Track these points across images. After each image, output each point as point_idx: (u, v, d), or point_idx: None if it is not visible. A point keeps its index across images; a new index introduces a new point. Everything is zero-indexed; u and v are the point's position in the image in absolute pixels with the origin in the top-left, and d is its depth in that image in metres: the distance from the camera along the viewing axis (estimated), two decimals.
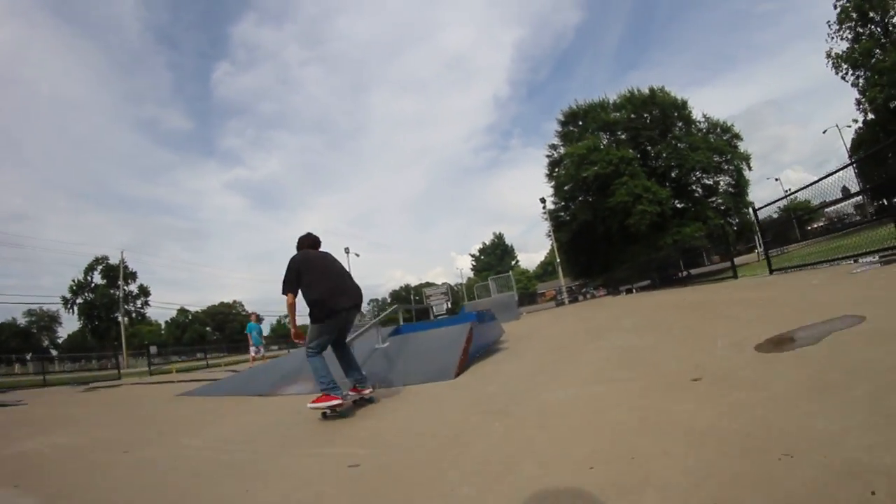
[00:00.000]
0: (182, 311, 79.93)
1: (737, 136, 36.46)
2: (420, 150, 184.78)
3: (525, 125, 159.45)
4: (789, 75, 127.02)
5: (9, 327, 63.98)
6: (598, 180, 33.65)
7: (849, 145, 40.23)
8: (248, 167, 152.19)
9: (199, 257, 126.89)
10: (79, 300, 62.19)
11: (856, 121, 34.87)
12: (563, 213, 40.54)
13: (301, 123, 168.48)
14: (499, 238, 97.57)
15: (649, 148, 36.28)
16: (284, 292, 4.44)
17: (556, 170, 39.17)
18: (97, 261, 64.44)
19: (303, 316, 4.82)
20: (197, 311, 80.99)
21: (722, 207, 35.38)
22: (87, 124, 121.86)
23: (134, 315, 66.68)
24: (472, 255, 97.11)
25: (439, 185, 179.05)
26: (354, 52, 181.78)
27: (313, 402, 4.34)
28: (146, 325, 73.61)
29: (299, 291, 4.50)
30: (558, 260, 38.63)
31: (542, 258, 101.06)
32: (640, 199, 31.72)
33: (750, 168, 35.94)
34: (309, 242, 4.99)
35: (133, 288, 66.59)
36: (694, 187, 36.27)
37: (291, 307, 4.46)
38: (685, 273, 23.28)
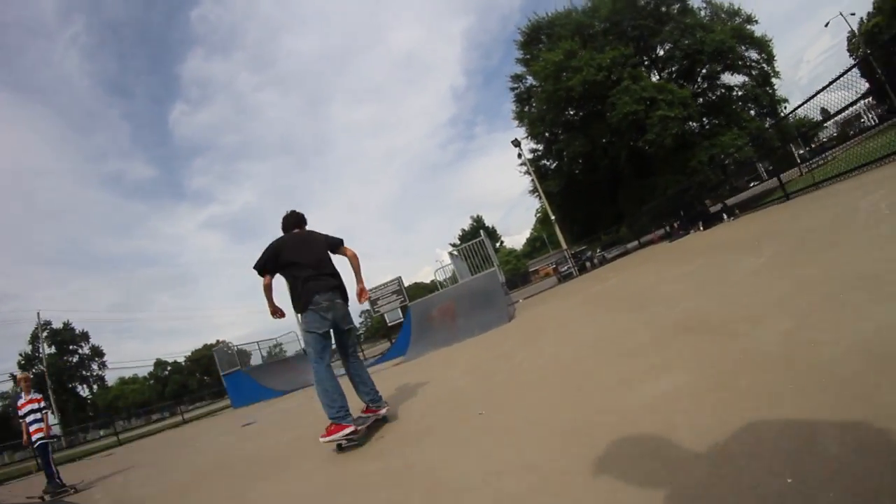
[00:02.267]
0: (159, 364, 71.48)
1: (750, 20, 26.14)
2: (387, 155, 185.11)
3: (487, 111, 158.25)
4: None
5: None
6: (588, 94, 23.98)
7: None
8: (221, 202, 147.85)
9: (189, 302, 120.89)
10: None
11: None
12: (547, 160, 30.77)
13: (266, 149, 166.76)
14: (477, 221, 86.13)
15: (647, 43, 26.29)
16: (260, 273, 4.01)
17: (526, 107, 29.45)
18: (40, 327, 55.75)
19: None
20: (175, 361, 72.25)
21: (751, 110, 25.67)
22: (53, 190, 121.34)
23: (93, 381, 58.47)
24: (453, 245, 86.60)
25: (413, 186, 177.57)
26: (306, 68, 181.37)
27: (324, 435, 3.66)
28: (130, 383, 65.73)
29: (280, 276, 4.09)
30: (553, 217, 26.75)
31: (528, 236, 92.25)
32: (657, 104, 22.05)
33: (773, 58, 25.94)
34: (293, 221, 4.40)
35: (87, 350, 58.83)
36: (717, 82, 26.34)
37: (266, 288, 4.03)
38: (721, 205, 17.65)
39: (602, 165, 26.08)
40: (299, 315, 4.19)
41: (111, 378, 63.80)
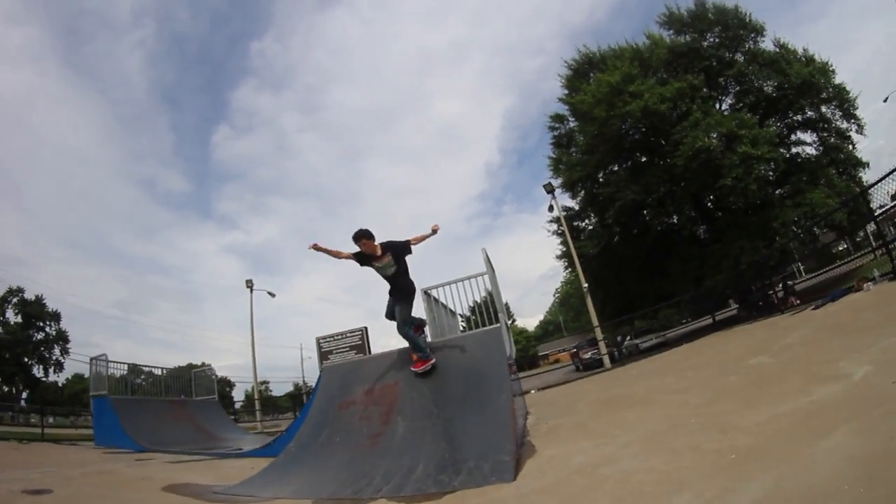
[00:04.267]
0: (134, 370, 66.16)
1: (826, 71, 20.36)
2: (413, 218, 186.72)
3: (516, 191, 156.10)
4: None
5: None
6: (647, 127, 19.20)
7: None
8: (244, 231, 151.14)
9: (191, 318, 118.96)
10: None
11: None
12: (583, 219, 25.21)
13: (297, 188, 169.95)
14: (489, 296, 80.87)
15: (717, 76, 21.12)
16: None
17: (565, 153, 24.35)
18: (10, 292, 52.12)
19: None
20: (151, 369, 66.85)
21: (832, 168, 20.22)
22: (88, 177, 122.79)
23: (52, 363, 53.80)
24: (462, 316, 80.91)
25: (433, 254, 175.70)
26: (349, 121, 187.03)
27: (417, 366, 5.92)
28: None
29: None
30: (585, 286, 19.54)
31: (542, 319, 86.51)
32: (738, 140, 16.97)
33: (855, 109, 20.52)
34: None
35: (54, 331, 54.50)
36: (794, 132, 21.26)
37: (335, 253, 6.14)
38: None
39: (653, 226, 20.72)
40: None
41: (82, 369, 59.17)
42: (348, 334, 12.13)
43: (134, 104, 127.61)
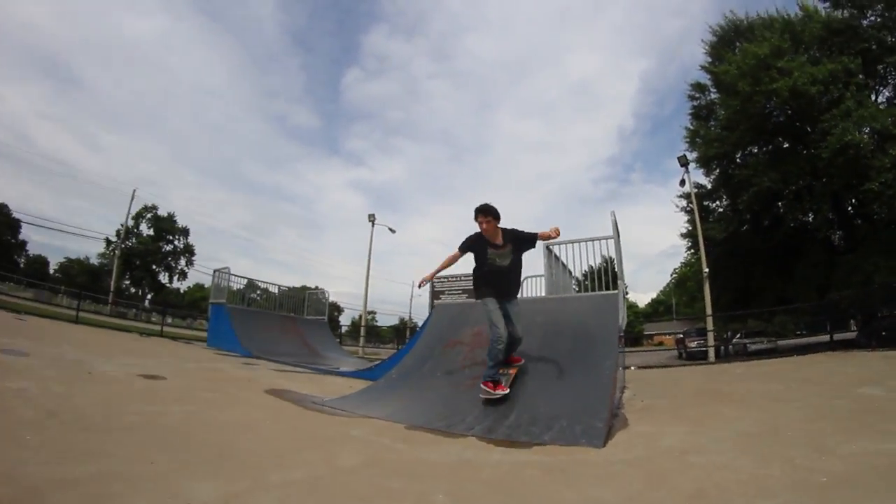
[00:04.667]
0: (251, 285, 72.56)
1: None
2: (540, 174, 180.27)
3: (646, 160, 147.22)
4: None
5: (81, 264, 60.78)
6: (793, 110, 17.27)
7: None
8: (369, 168, 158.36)
9: (311, 245, 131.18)
10: (122, 246, 56.42)
11: None
12: (714, 199, 23.03)
13: (425, 133, 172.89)
14: (608, 262, 78.03)
15: (876, 62, 17.99)
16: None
17: (704, 125, 22.17)
18: (146, 209, 58.43)
19: None
20: (267, 286, 72.98)
21: None
22: (221, 112, 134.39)
23: (177, 272, 60.59)
24: (576, 279, 79.05)
25: (556, 212, 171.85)
26: (480, 70, 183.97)
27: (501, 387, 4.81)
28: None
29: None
30: (706, 271, 18.55)
31: (653, 297, 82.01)
32: (893, 142, 14.83)
33: None
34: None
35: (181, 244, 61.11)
36: None
37: (446, 264, 5.34)
38: None
39: (786, 220, 18.70)
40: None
41: (204, 279, 66.75)
42: (462, 277, 12.53)
43: (266, 46, 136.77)
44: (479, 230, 4.92)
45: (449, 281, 13.21)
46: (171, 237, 60.77)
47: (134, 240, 56.49)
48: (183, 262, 61.35)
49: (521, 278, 5.35)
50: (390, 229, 29.03)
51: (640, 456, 3.27)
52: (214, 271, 14.81)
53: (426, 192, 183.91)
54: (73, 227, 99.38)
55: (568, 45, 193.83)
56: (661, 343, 40.33)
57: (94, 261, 61.72)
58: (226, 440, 3.35)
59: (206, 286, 67.85)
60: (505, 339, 4.73)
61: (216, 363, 9.06)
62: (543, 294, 7.77)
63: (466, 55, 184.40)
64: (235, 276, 14.59)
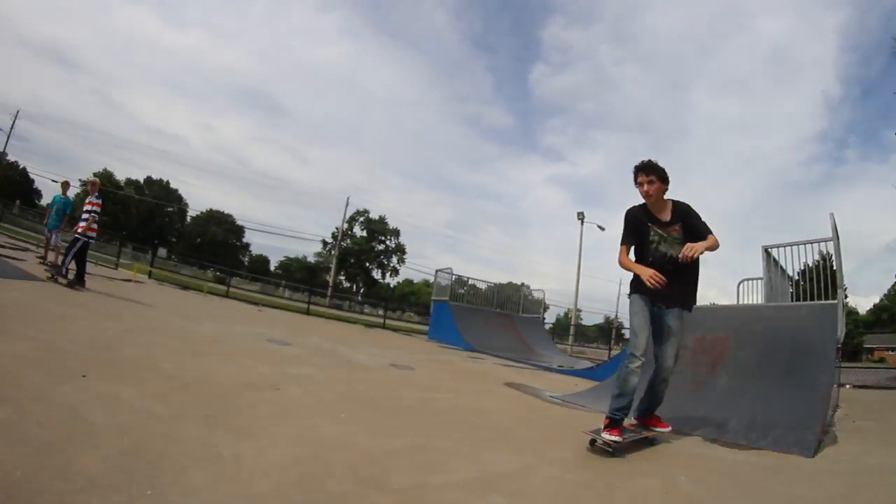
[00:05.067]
0: (461, 282, 78.89)
1: None
2: (743, 159, 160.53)
3: (861, 133, 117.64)
4: None
5: (299, 262, 72.97)
6: None
7: None
8: (570, 164, 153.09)
9: (515, 242, 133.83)
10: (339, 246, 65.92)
11: None
12: None
13: (620, 122, 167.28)
14: (825, 259, 65.48)
15: None
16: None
17: None
18: (358, 213, 67.00)
19: None
20: (474, 282, 78.95)
21: None
22: (417, 119, 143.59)
23: (389, 269, 68.78)
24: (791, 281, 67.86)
25: (765, 202, 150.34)
26: (665, 48, 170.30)
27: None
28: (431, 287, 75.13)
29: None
30: None
31: (877, 302, 66.83)
32: None
33: None
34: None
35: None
36: None
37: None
38: None
39: None
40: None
41: (418, 276, 75.73)
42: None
43: (448, 54, 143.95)
44: (641, 202, 3.55)
45: None
46: (382, 237, 68.89)
47: (349, 241, 65.03)
48: (395, 259, 69.23)
49: (698, 278, 3.60)
50: (599, 227, 29.01)
51: (844, 469, 3.36)
52: (437, 271, 16.89)
53: (629, 184, 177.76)
54: (290, 231, 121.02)
55: (750, 7, 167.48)
56: (881, 359, 32.98)
57: (311, 259, 73.39)
58: (496, 423, 4.00)
59: (414, 281, 76.14)
60: (640, 360, 3.34)
61: (446, 356, 10.30)
62: (761, 301, 7.51)
63: (647, 34, 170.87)
64: (457, 275, 16.42)
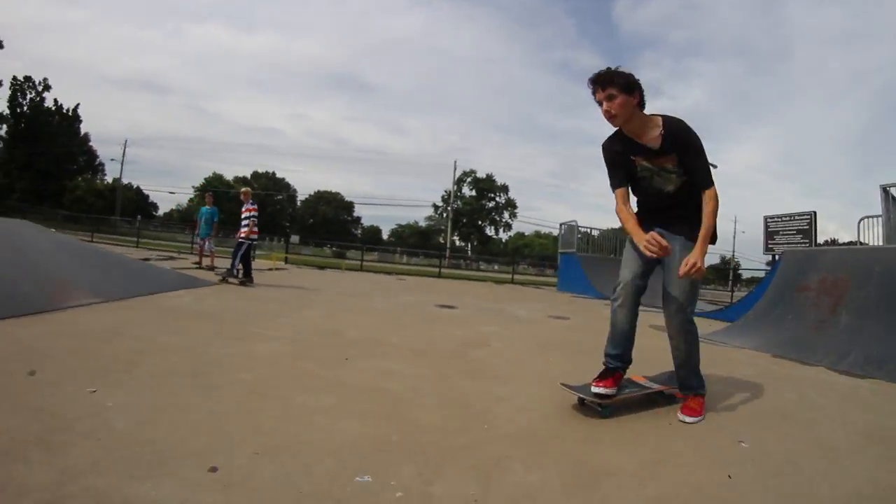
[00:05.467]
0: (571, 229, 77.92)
1: None
2: (853, 74, 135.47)
3: None
4: None
5: (411, 227, 76.20)
6: None
7: None
8: (668, 98, 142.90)
9: None
10: (449, 208, 67.75)
11: None
12: None
13: (716, 48, 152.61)
14: None
15: None
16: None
17: None
18: (465, 174, 68.04)
19: None
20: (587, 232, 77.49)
21: None
22: (504, 74, 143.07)
23: (502, 225, 69.93)
24: None
25: (882, 122, 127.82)
26: None
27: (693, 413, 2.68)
28: (543, 238, 75.46)
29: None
30: None
31: None
32: None
33: None
34: None
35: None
36: None
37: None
38: None
39: None
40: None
41: (528, 229, 76.45)
42: (796, 217, 11.83)
43: (524, 4, 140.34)
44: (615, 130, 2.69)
45: (781, 221, 12.23)
46: (491, 194, 69.71)
47: (459, 202, 66.53)
48: (506, 214, 70.01)
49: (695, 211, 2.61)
50: (712, 165, 27.63)
51: None
52: (561, 224, 17.42)
53: (734, 114, 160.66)
54: (397, 201, 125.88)
55: None
56: None
57: (422, 223, 76.02)
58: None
59: (525, 234, 76.67)
60: (619, 298, 2.69)
61: (586, 305, 11.07)
62: (881, 242, 7.31)
63: None
64: (581, 227, 16.81)
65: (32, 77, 51.51)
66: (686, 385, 2.80)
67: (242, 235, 8.83)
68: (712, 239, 2.56)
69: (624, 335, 2.70)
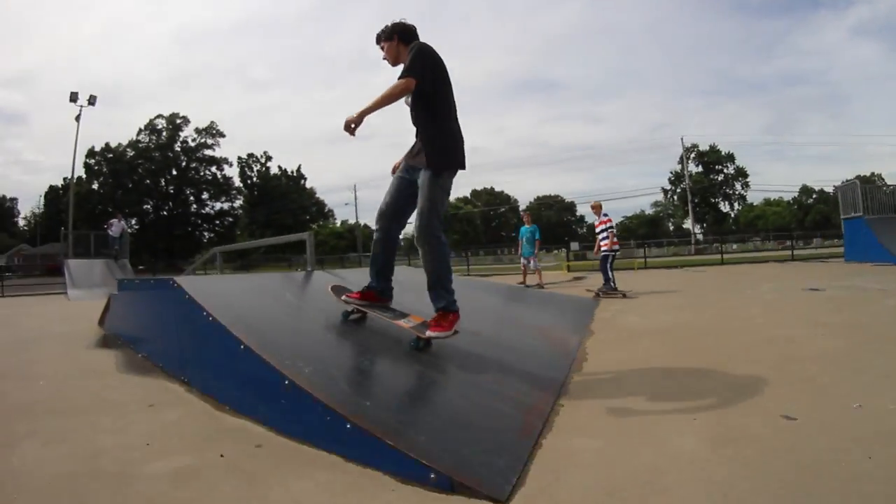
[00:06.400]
0: (804, 191, 66.75)
1: None
2: None
3: None
4: None
5: (638, 217, 73.31)
6: None
7: None
8: (867, 3, 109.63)
9: (841, 126, 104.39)
10: (678, 189, 63.48)
11: None
12: None
13: None
14: None
15: None
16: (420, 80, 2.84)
17: None
18: (687, 150, 63.44)
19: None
20: (821, 189, 65.14)
21: None
22: (684, 35, 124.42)
23: (735, 197, 63.25)
24: None
25: None
26: None
27: (441, 328, 2.85)
28: (773, 205, 66.90)
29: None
30: None
31: None
32: None
33: None
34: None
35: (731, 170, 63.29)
36: None
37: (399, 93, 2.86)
38: None
39: None
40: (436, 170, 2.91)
41: (755, 198, 67.37)
42: None
43: None
44: None
45: None
46: (718, 166, 63.56)
47: (687, 180, 62.03)
48: (739, 185, 63.11)
49: (438, 134, 2.97)
50: None
51: None
52: (835, 188, 15.88)
53: None
54: (617, 193, 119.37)
55: None
56: None
57: (649, 211, 72.18)
58: None
59: (755, 204, 67.18)
60: (378, 232, 3.18)
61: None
62: None
63: None
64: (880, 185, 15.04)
65: (254, 153, 65.57)
66: (436, 300, 2.91)
67: (605, 247, 8.80)
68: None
69: (376, 265, 3.21)
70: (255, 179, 65.76)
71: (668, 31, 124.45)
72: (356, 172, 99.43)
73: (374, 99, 2.83)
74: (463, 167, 2.99)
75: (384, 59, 3.12)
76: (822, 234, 42.56)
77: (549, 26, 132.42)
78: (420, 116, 2.98)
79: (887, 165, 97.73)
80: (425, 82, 2.82)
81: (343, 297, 3.22)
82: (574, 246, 33.76)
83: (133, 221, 53.00)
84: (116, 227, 16.65)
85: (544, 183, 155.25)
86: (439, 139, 2.91)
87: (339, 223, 71.79)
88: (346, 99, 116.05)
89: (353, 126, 2.84)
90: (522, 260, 12.51)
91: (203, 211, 62.08)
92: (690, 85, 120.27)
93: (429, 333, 2.83)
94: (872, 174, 59.05)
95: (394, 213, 3.11)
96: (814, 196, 65.97)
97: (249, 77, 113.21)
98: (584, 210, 76.71)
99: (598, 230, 9.15)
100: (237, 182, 63.79)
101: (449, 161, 2.93)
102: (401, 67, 2.89)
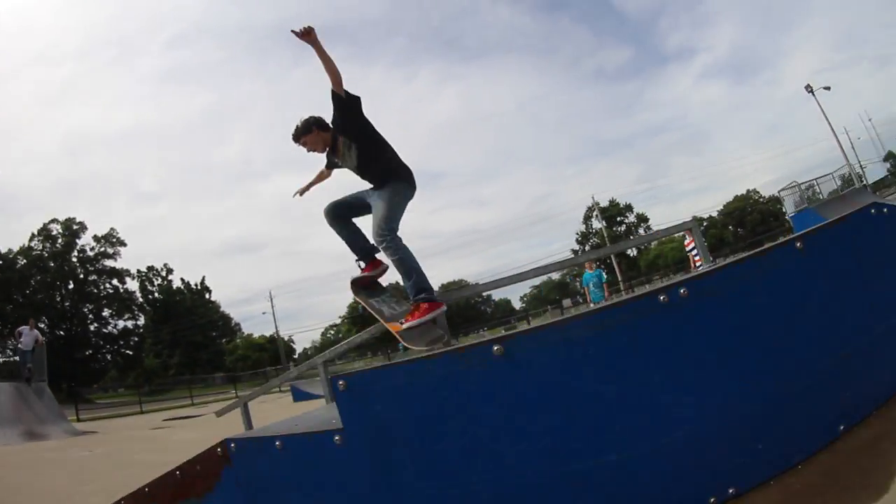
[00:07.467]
0: (698, 220, 72.86)
1: None
2: None
3: None
4: None
5: (547, 284, 75.30)
6: None
7: None
8: (704, 50, 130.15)
9: (706, 158, 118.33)
10: (586, 247, 66.67)
11: None
12: None
13: None
14: None
15: None
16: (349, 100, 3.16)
17: None
18: (589, 209, 67.44)
19: None
20: (710, 216, 71.78)
21: None
22: (552, 108, 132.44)
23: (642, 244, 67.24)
24: None
25: None
26: None
27: (412, 317, 3.06)
28: (668, 243, 71.65)
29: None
30: None
31: None
32: None
33: None
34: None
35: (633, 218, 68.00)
36: None
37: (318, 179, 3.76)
38: None
39: None
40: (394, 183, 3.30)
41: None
42: None
43: (528, 36, 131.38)
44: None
45: None
46: (619, 218, 68.14)
47: (594, 238, 65.05)
48: (642, 230, 67.59)
49: (384, 151, 3.38)
50: (825, 88, 25.82)
51: None
52: (779, 191, 17.07)
53: (770, 29, 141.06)
54: (513, 268, 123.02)
55: None
56: None
57: (555, 277, 72.40)
58: None
59: (651, 246, 72.00)
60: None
61: None
62: None
63: None
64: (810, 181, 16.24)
65: (154, 265, 59.75)
66: (414, 294, 3.16)
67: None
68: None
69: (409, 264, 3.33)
70: (156, 294, 59.92)
71: (535, 110, 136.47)
72: (261, 282, 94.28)
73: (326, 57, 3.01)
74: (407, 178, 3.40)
75: (309, 151, 3.41)
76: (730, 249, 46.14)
77: (427, 119, 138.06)
78: (369, 149, 3.29)
79: (755, 181, 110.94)
80: (351, 95, 3.13)
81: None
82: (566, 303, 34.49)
83: None
84: (28, 336, 12.88)
85: (445, 270, 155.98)
86: (395, 158, 3.37)
87: (255, 335, 66.01)
88: (236, 209, 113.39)
89: (312, 33, 2.91)
90: (592, 305, 12.38)
91: (105, 330, 53.32)
92: (563, 153, 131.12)
93: (405, 323, 3.09)
94: (748, 191, 67.47)
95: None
96: (704, 223, 72.40)
97: (138, 188, 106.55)
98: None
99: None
100: (139, 297, 57.52)
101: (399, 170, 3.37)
102: (332, 152, 3.49)
